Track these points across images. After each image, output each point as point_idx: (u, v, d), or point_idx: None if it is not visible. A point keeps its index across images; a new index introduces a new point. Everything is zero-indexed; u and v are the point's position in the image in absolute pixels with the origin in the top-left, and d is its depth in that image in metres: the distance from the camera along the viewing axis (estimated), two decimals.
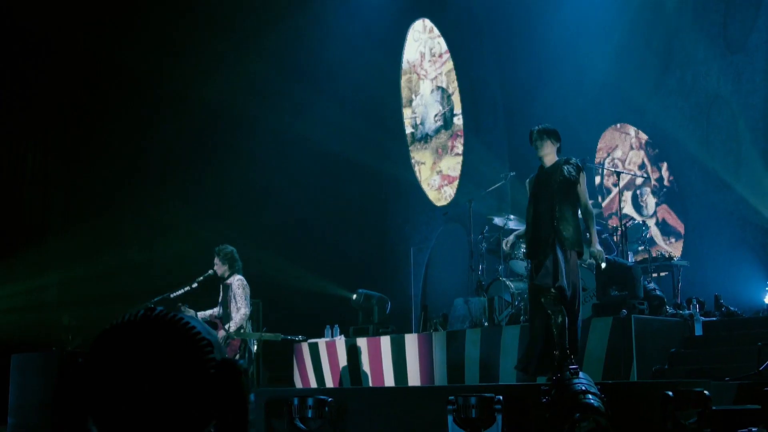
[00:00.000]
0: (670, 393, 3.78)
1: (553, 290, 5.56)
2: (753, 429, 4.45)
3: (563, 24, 11.90)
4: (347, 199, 12.06)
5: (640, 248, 9.05)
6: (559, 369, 5.54)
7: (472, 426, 3.68)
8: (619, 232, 8.03)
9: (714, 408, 4.71)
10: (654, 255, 8.58)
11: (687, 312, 7.43)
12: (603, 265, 6.93)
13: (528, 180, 6.44)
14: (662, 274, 9.20)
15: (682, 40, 11.24)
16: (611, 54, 11.70)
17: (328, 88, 12.13)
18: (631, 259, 8.33)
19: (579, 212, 5.98)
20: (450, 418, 3.69)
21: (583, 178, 5.98)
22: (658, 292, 7.42)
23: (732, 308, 7.78)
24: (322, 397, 3.99)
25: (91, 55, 10.63)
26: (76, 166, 11.07)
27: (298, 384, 9.04)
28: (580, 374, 3.82)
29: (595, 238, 5.88)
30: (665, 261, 8.40)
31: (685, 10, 11.25)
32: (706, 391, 3.81)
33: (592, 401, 3.65)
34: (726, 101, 10.80)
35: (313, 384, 8.83)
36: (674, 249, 11.08)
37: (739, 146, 10.61)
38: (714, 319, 7.67)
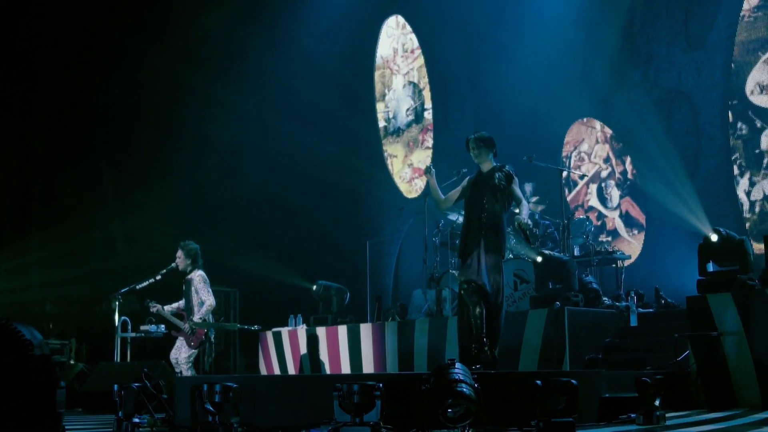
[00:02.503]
0: (539, 382, 4.15)
1: (471, 283, 5.92)
2: (632, 415, 4.83)
3: (532, 20, 12.16)
4: (321, 193, 12.48)
5: (602, 240, 9.37)
6: (476, 359, 5.94)
7: (354, 410, 4.07)
8: (561, 227, 8.36)
9: (603, 396, 5.10)
10: (597, 249, 8.90)
11: (624, 304, 7.77)
12: (539, 259, 7.31)
13: (468, 178, 6.74)
14: (614, 265, 9.54)
15: (646, 36, 11.48)
16: (579, 50, 11.96)
17: (302, 80, 12.51)
18: (577, 252, 8.67)
19: (506, 217, 6.28)
20: (336, 403, 4.09)
21: (514, 185, 6.21)
22: (594, 285, 7.77)
23: (670, 300, 8.11)
24: (228, 383, 4.39)
25: (72, 71, 11.10)
26: (57, 165, 11.55)
27: (263, 370, 9.48)
28: (457, 365, 4.19)
29: (525, 213, 6.05)
30: (607, 255, 8.73)
31: (650, 6, 11.49)
32: (573, 381, 4.17)
33: (464, 389, 4.03)
34: (686, 97, 11.06)
35: (277, 370, 9.27)
36: (637, 240, 11.40)
37: (699, 140, 10.88)
38: (651, 310, 8.00)
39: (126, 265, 11.50)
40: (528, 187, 9.12)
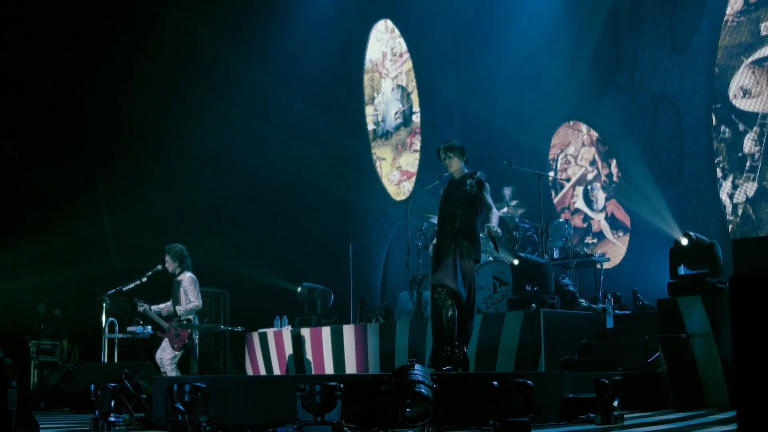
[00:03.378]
0: (495, 383, 4.29)
1: (445, 288, 6.07)
2: (591, 415, 4.97)
3: (519, 24, 12.29)
4: (309, 196, 12.65)
5: (588, 242, 9.47)
6: (448, 361, 6.08)
7: (316, 409, 4.22)
8: (540, 230, 8.49)
9: (566, 396, 5.24)
10: (576, 252, 9.03)
11: (600, 306, 7.90)
12: (515, 262, 7.44)
13: (442, 188, 6.87)
14: (597, 267, 9.67)
15: (631, 40, 11.61)
16: (565, 53, 12.09)
17: (290, 83, 12.69)
18: (556, 255, 8.80)
19: (479, 222, 6.40)
20: (299, 402, 4.24)
21: (485, 191, 6.35)
22: (570, 288, 7.90)
23: (647, 302, 8.23)
24: (197, 384, 4.54)
25: (62, 76, 11.29)
26: (49, 166, 11.72)
27: (250, 371, 9.63)
28: (416, 366, 4.34)
29: (494, 221, 6.21)
30: (586, 257, 8.85)
31: (636, 11, 11.61)
32: (529, 382, 4.31)
33: (422, 390, 4.17)
34: (671, 100, 11.18)
35: (262, 371, 9.42)
36: (622, 242, 11.53)
37: (683, 143, 11.00)
38: (627, 312, 8.13)
39: (119, 267, 11.67)
40: (507, 191, 9.25)
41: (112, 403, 5.36)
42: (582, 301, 8.01)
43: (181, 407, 4.52)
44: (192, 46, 11.87)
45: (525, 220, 9.02)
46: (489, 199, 6.30)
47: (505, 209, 8.99)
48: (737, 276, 2.46)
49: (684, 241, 6.73)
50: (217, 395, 4.73)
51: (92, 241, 11.92)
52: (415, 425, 4.19)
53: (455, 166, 6.42)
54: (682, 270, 6.81)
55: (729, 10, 10.71)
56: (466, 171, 6.48)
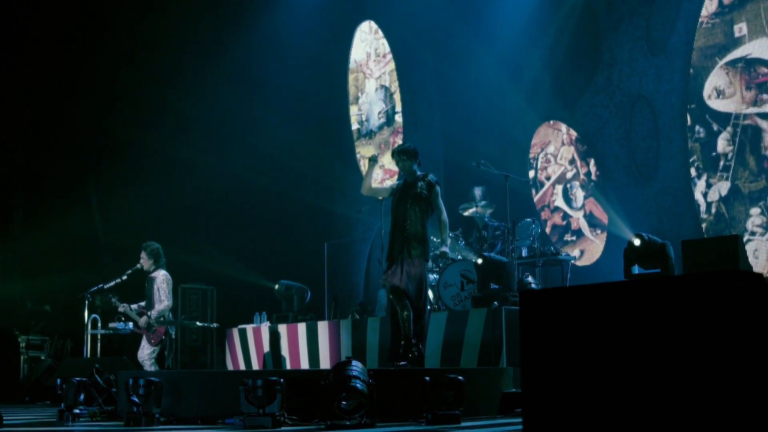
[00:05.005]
0: (427, 378, 4.54)
1: (399, 288, 6.34)
2: None
3: (500, 25, 12.50)
4: (295, 194, 12.92)
5: (567, 239, 9.68)
6: (405, 357, 6.35)
7: (258, 402, 4.49)
8: (506, 230, 8.71)
9: (509, 391, 5.49)
10: (543, 251, 9.24)
11: None
12: (479, 261, 7.69)
13: (397, 183, 7.08)
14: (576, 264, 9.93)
15: (609, 42, 11.80)
16: (545, 53, 12.30)
17: (278, 87, 12.94)
18: (524, 254, 9.02)
19: (431, 224, 6.66)
20: (242, 396, 4.51)
21: (435, 194, 6.61)
22: (533, 286, 8.12)
23: None
24: (151, 378, 4.83)
25: (54, 82, 11.60)
26: (40, 164, 12.04)
27: (230, 366, 9.93)
28: (353, 363, 4.60)
29: (445, 238, 6.57)
30: (551, 256, 9.07)
31: (614, 13, 11.79)
32: (460, 377, 4.56)
33: (357, 385, 4.43)
34: (647, 101, 11.37)
35: (242, 366, 9.71)
36: (600, 240, 11.76)
37: (659, 143, 11.20)
38: None
39: (109, 265, 11.98)
40: (478, 191, 9.49)
41: (82, 396, 5.66)
42: None
43: (136, 399, 4.80)
44: (177, 53, 12.15)
45: (494, 219, 9.26)
46: (439, 203, 6.56)
47: (473, 209, 9.23)
48: (525, 290, 2.70)
49: (636, 242, 6.94)
50: (171, 389, 5.01)
51: (82, 238, 12.24)
52: (352, 417, 4.46)
53: (408, 168, 6.67)
54: (636, 270, 7.01)
55: (704, 12, 10.87)
56: (419, 173, 6.72)
